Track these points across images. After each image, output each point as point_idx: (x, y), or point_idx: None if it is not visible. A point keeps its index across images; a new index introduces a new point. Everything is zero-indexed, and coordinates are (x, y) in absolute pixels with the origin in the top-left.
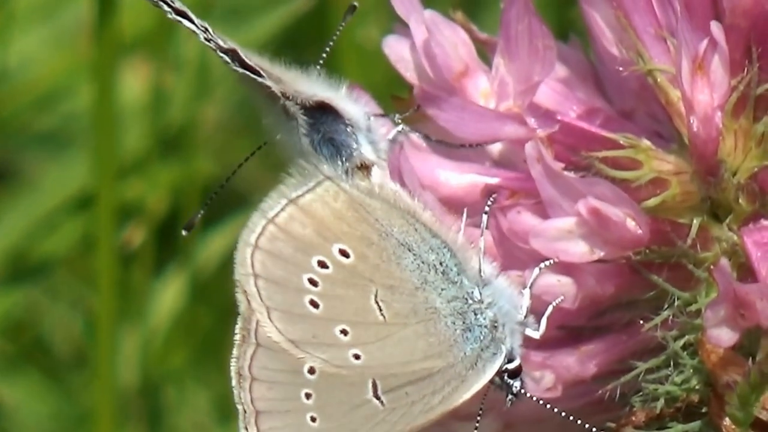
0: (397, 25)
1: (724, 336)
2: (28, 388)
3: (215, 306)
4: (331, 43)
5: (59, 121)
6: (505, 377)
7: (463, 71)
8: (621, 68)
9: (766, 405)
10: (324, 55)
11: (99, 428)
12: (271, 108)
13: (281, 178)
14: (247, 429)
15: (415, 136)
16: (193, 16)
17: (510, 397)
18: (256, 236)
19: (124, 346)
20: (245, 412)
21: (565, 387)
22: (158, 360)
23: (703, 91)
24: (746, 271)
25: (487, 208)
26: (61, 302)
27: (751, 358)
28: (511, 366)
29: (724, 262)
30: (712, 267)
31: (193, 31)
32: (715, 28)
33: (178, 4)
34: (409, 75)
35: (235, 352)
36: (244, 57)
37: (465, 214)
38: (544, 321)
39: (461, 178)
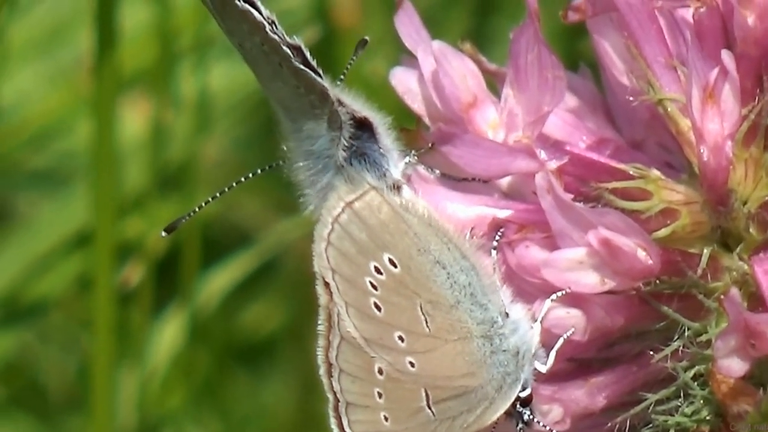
0: (404, 56)
1: (734, 366)
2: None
3: (215, 346)
4: (341, 77)
5: (55, 159)
6: (518, 405)
7: (472, 102)
8: (631, 98)
9: None
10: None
11: None
12: (309, 116)
13: (288, 214)
14: (340, 418)
15: (422, 169)
16: (261, 7)
17: (521, 425)
18: (328, 232)
19: (121, 388)
20: (338, 401)
21: (574, 420)
22: (156, 401)
23: (714, 120)
24: (757, 301)
25: (495, 243)
26: (55, 344)
27: (762, 388)
28: (523, 394)
29: (735, 291)
30: (722, 297)
31: (259, 23)
32: (726, 56)
33: None
34: (417, 107)
35: (321, 342)
36: (307, 55)
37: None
38: (552, 354)
39: (469, 210)
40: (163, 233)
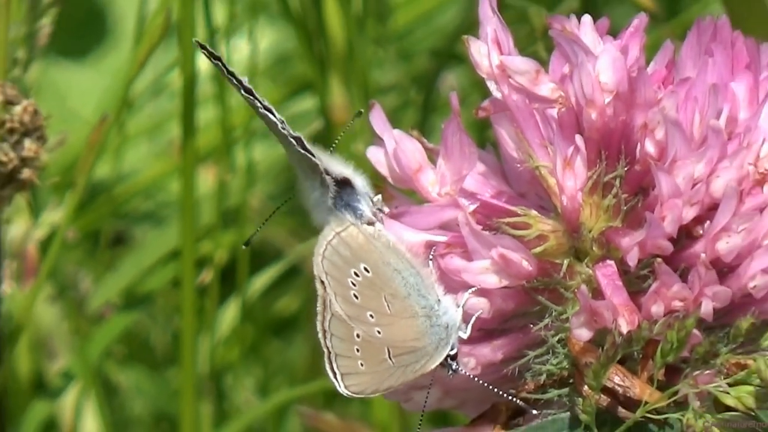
0: (376, 139)
1: (583, 334)
2: (138, 377)
3: (258, 323)
4: (331, 149)
5: (157, 205)
6: (448, 359)
7: (418, 168)
8: (518, 165)
9: (610, 377)
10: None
11: (184, 402)
12: (310, 177)
13: (306, 238)
14: (332, 363)
15: (387, 210)
16: (275, 112)
17: (450, 372)
18: (323, 249)
19: (200, 349)
20: (330, 353)
21: (483, 368)
22: (221, 358)
23: (570, 179)
24: (598, 293)
25: (431, 256)
26: (159, 320)
27: (600, 348)
28: (452, 352)
29: (584, 287)
30: (576, 291)
31: (274, 122)
32: (578, 139)
33: (266, 103)
34: (384, 171)
35: (319, 317)
36: (305, 143)
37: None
38: (469, 327)
39: (416, 236)
40: (243, 246)
